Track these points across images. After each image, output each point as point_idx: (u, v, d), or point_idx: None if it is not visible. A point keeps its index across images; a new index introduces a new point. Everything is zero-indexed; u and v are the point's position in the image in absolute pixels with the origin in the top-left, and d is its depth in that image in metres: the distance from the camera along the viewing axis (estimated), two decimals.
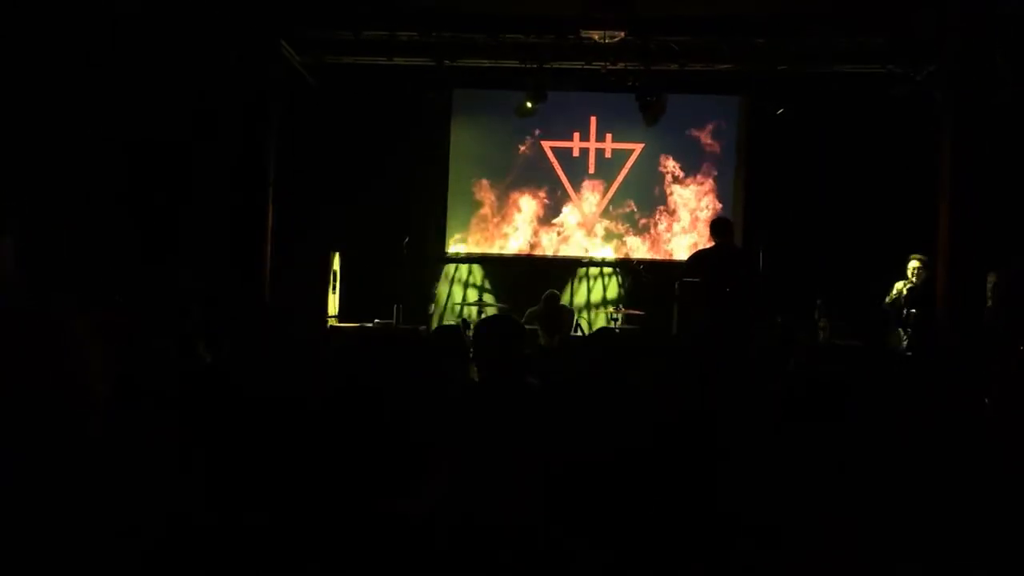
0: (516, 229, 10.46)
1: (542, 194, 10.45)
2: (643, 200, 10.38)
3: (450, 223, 10.48)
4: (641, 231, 10.37)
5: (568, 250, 10.43)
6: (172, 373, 3.55)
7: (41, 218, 6.94)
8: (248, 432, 2.78)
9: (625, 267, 9.43)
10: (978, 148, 7.71)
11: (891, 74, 8.94)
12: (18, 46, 7.15)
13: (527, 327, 8.33)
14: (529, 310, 8.68)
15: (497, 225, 10.47)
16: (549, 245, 10.45)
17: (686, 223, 10.32)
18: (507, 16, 8.77)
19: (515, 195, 10.45)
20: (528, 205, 10.46)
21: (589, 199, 10.44)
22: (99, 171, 8.06)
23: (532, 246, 10.45)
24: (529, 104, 9.63)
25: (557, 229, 10.45)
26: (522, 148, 10.42)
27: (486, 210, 10.48)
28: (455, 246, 10.47)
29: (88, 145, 7.81)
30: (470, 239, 10.49)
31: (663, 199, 10.35)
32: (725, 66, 9.18)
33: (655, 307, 8.61)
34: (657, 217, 10.36)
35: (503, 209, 10.47)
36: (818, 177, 9.53)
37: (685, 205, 10.33)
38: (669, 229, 10.34)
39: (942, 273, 7.87)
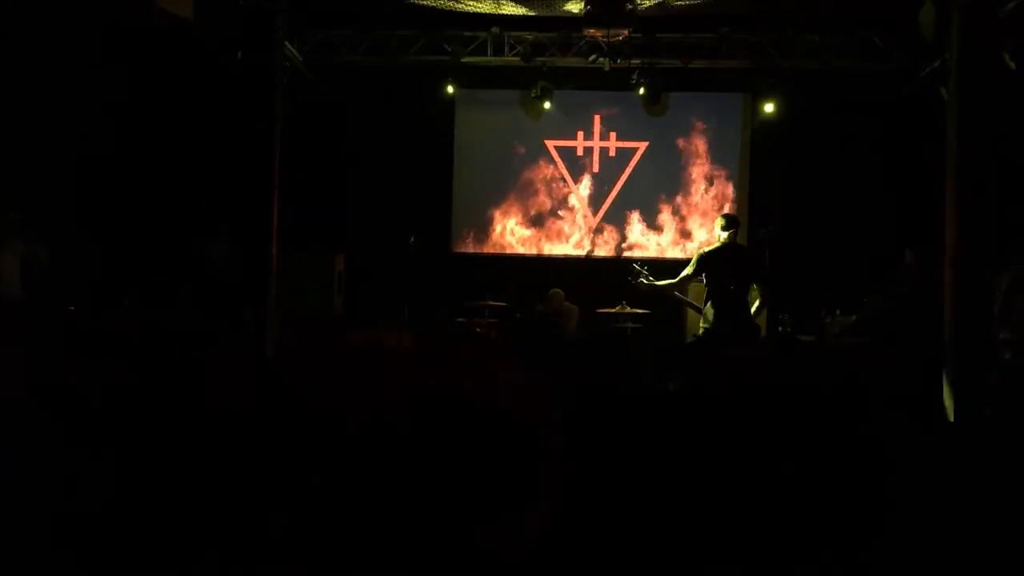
0: (521, 228, 10.46)
1: (546, 193, 10.44)
2: (647, 198, 10.36)
3: (455, 222, 10.48)
4: (645, 229, 10.36)
5: (572, 248, 10.43)
6: None
7: (47, 224, 6.97)
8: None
9: (629, 266, 9.41)
10: (985, 144, 7.66)
11: (894, 71, 8.91)
12: (24, 47, 7.18)
13: None
14: (534, 309, 8.68)
15: (502, 224, 10.47)
16: (553, 244, 10.45)
17: (690, 221, 10.31)
18: (511, 15, 8.77)
19: (519, 194, 10.45)
20: (532, 204, 10.45)
21: (593, 198, 10.43)
22: (102, 174, 8.09)
23: (537, 245, 10.45)
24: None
25: (561, 227, 10.45)
26: (526, 147, 10.42)
27: (491, 209, 10.48)
28: (460, 245, 10.47)
29: (91, 148, 7.83)
30: (475, 238, 10.49)
31: (667, 197, 10.33)
32: (729, 64, 9.17)
33: (660, 306, 8.59)
34: (661, 215, 10.34)
35: (508, 208, 10.47)
36: (822, 174, 9.50)
37: (689, 203, 10.32)
38: (673, 227, 10.33)
39: (948, 271, 7.83)
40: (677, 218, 10.34)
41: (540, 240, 10.46)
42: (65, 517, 2.49)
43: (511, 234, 10.47)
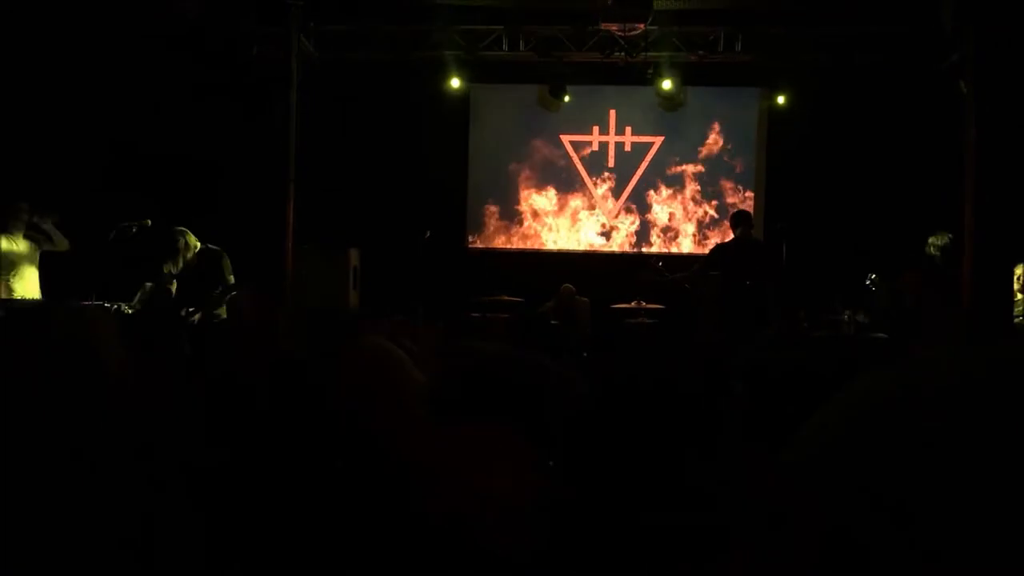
0: (536, 223, 10.44)
1: (561, 188, 10.43)
2: (662, 193, 10.32)
3: (469, 218, 10.49)
4: (660, 225, 10.32)
5: (587, 244, 10.41)
6: None
7: (64, 216, 7.02)
8: None
9: (644, 261, 9.40)
10: (1003, 137, 7.59)
11: (911, 64, 8.83)
12: (36, 43, 7.24)
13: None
14: (545, 304, 8.67)
15: (517, 219, 10.47)
16: (568, 239, 10.43)
17: (705, 216, 10.26)
18: (526, 9, 8.76)
19: (534, 189, 10.44)
20: (547, 199, 10.44)
21: (608, 193, 10.40)
22: (116, 170, 8.14)
23: (551, 240, 10.44)
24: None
25: (576, 222, 10.43)
26: (541, 142, 10.40)
27: (506, 204, 10.47)
28: (475, 241, 10.48)
29: (103, 144, 7.89)
30: (490, 233, 10.49)
31: (683, 191, 10.29)
32: (744, 58, 9.11)
33: (675, 301, 8.57)
34: (676, 210, 10.30)
35: (522, 203, 10.46)
36: (839, 168, 9.43)
37: (704, 198, 10.27)
38: (688, 222, 10.29)
39: (967, 266, 7.76)
40: (693, 213, 10.29)
41: (555, 235, 10.44)
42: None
43: (525, 229, 10.45)
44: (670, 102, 9.64)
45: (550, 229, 10.44)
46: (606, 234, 10.38)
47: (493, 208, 10.47)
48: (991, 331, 7.15)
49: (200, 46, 8.17)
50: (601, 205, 10.38)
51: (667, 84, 9.35)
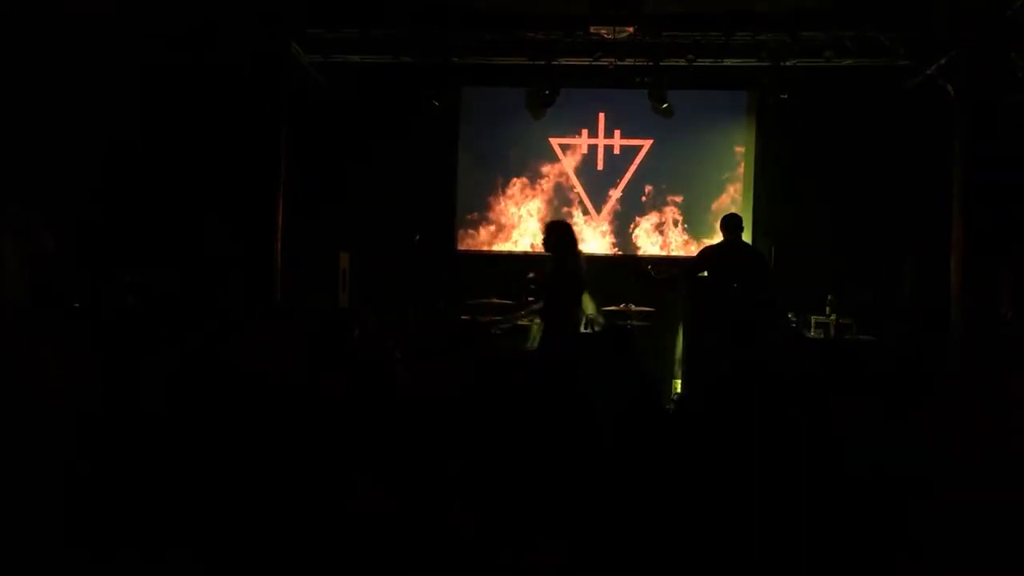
0: (525, 226, 10.45)
1: (550, 191, 10.43)
2: (652, 196, 10.34)
3: (459, 221, 10.48)
4: (649, 227, 10.34)
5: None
6: None
7: (52, 221, 6.97)
8: None
9: (634, 264, 9.43)
10: (991, 142, 7.65)
11: (900, 67, 8.88)
12: (33, 44, 7.23)
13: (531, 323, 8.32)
14: (533, 307, 8.66)
15: (506, 222, 10.47)
16: None
17: (695, 218, 10.28)
18: (516, 13, 8.77)
19: (524, 192, 10.44)
20: (536, 202, 10.44)
21: (598, 196, 10.41)
22: (108, 174, 8.11)
23: (540, 242, 10.42)
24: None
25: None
26: (530, 144, 10.41)
27: (495, 208, 10.47)
28: (465, 244, 10.47)
29: (97, 148, 7.85)
30: (480, 237, 10.48)
31: (672, 195, 10.31)
32: (733, 61, 9.14)
33: (664, 304, 8.59)
34: (666, 213, 10.32)
35: (512, 206, 10.46)
36: (827, 172, 9.48)
37: (694, 200, 10.29)
38: (677, 225, 10.31)
39: (955, 270, 7.82)
40: (682, 216, 10.32)
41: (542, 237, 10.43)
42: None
43: (516, 232, 10.46)
44: (659, 105, 9.66)
45: (539, 231, 10.43)
46: (595, 237, 10.38)
47: (482, 211, 10.48)
48: (978, 333, 7.21)
49: (192, 50, 8.15)
50: (590, 208, 10.40)
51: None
